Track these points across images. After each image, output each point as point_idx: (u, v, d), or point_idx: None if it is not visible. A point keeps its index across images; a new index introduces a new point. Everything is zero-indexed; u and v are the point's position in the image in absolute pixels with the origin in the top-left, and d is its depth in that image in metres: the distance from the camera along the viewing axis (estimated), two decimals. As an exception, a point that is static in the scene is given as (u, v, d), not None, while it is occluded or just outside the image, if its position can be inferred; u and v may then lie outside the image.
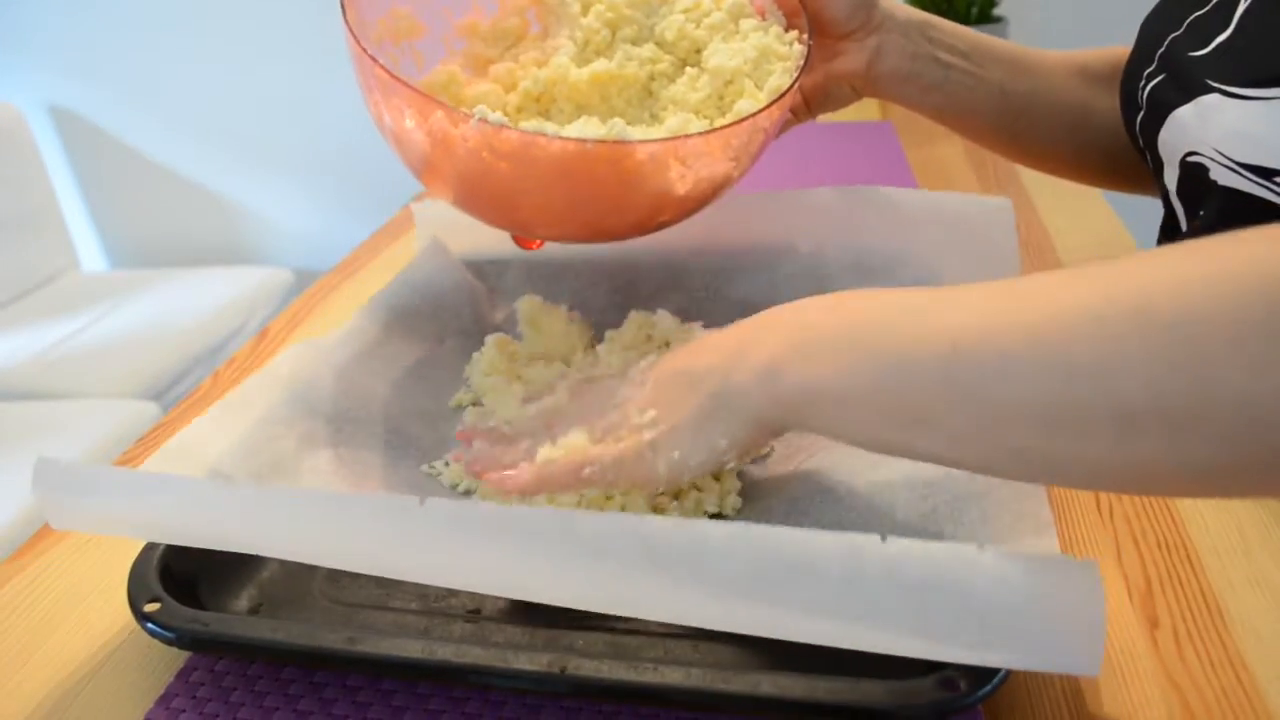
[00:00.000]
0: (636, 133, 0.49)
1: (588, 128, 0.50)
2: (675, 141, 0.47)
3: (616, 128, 0.47)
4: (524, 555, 0.34)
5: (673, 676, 0.33)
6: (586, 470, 0.42)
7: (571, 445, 0.42)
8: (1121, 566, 0.42)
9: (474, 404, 0.56)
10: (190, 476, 0.41)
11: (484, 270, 0.66)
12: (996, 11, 1.45)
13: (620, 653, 0.38)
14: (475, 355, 0.58)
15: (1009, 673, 0.32)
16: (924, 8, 1.43)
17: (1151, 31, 0.57)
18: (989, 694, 0.32)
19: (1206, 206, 0.50)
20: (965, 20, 1.41)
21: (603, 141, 0.45)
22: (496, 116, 0.45)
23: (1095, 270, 0.31)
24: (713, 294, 0.63)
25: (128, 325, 1.81)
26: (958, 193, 0.60)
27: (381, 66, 0.46)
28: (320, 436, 0.49)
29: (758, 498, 0.48)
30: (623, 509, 0.45)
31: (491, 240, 0.57)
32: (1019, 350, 0.30)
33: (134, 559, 0.40)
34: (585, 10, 0.59)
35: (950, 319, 0.32)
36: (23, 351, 1.73)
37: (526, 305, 0.61)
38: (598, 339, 0.61)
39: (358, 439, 0.50)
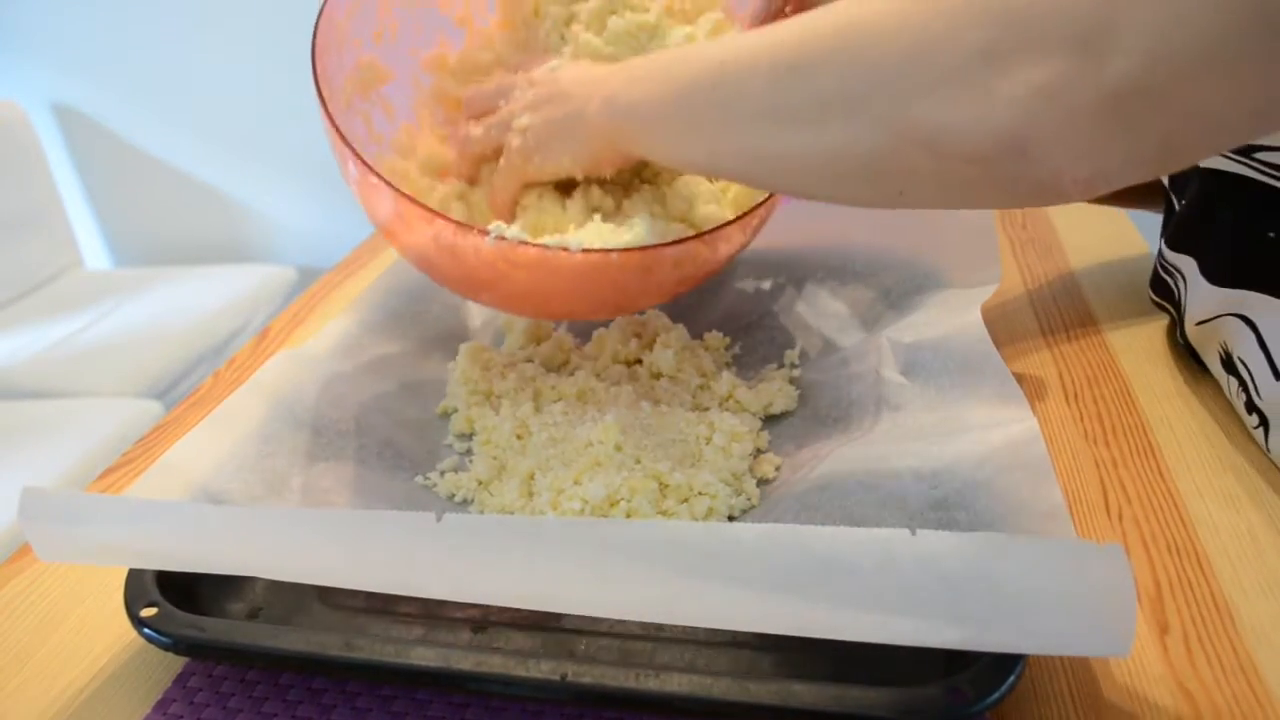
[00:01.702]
0: (659, 232, 0.49)
1: (602, 230, 0.49)
2: (702, 237, 0.47)
3: (639, 230, 0.47)
4: (549, 567, 0.34)
5: (675, 684, 0.33)
6: (469, 147, 0.55)
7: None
8: (1131, 571, 0.41)
9: (455, 411, 0.56)
10: (187, 502, 0.40)
11: None
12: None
13: (621, 660, 0.38)
14: (451, 365, 0.58)
15: (1016, 679, 0.31)
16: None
17: None
18: (996, 701, 0.31)
19: (1188, 191, 0.50)
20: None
21: (628, 250, 0.45)
22: (514, 232, 0.44)
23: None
24: (699, 305, 0.63)
25: (131, 323, 1.81)
26: None
27: (392, 185, 0.45)
28: (311, 450, 0.48)
29: (766, 499, 0.47)
30: (628, 515, 0.45)
31: None
32: (759, 66, 0.39)
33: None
34: (560, 33, 0.59)
35: (724, 49, 0.41)
36: (26, 349, 1.73)
37: (508, 316, 0.60)
38: (581, 345, 0.60)
39: (348, 452, 0.49)
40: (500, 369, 0.57)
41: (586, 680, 0.33)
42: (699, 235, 0.47)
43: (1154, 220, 0.62)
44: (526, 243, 0.44)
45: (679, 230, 0.51)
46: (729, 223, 0.48)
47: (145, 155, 2.25)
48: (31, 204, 2.00)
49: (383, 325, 0.59)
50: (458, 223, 0.45)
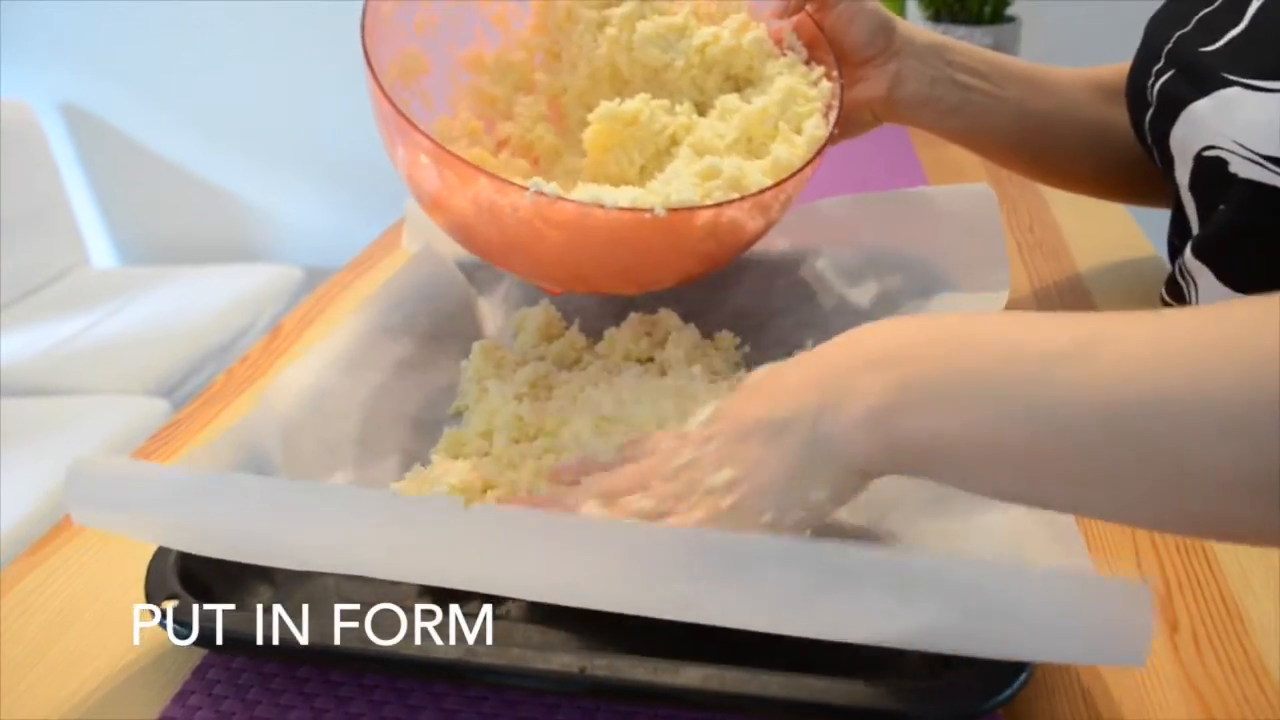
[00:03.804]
0: (693, 197, 0.49)
1: (636, 194, 0.50)
2: (729, 205, 0.48)
3: (672, 194, 0.48)
4: (575, 562, 0.34)
5: (690, 677, 0.33)
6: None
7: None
8: (1140, 569, 0.42)
9: (468, 409, 0.56)
10: (234, 475, 0.41)
11: (477, 274, 0.66)
12: (1010, 11, 1.44)
13: (638, 653, 0.38)
14: (463, 364, 0.58)
15: (1028, 677, 0.32)
16: (937, 8, 1.42)
17: (1158, 30, 0.57)
18: (1009, 698, 0.31)
19: (1226, 200, 0.50)
20: (979, 20, 1.40)
21: (659, 210, 0.46)
22: (552, 188, 0.45)
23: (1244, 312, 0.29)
24: (709, 304, 0.63)
25: (138, 322, 1.81)
26: (941, 186, 0.61)
27: (428, 136, 0.46)
28: (324, 447, 0.49)
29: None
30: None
31: None
32: (1200, 409, 0.27)
33: (151, 555, 0.40)
34: (593, 36, 0.60)
35: (1106, 369, 0.29)
36: (33, 347, 1.74)
37: (521, 313, 0.61)
38: (593, 343, 0.61)
39: (359, 449, 0.50)
40: (513, 367, 0.58)
41: (603, 672, 0.34)
42: (726, 202, 0.48)
43: (1160, 225, 0.62)
44: (563, 198, 0.45)
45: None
46: (757, 193, 0.49)
47: (152, 154, 2.26)
48: (39, 203, 2.01)
49: (395, 324, 0.59)
50: (497, 178, 0.45)
